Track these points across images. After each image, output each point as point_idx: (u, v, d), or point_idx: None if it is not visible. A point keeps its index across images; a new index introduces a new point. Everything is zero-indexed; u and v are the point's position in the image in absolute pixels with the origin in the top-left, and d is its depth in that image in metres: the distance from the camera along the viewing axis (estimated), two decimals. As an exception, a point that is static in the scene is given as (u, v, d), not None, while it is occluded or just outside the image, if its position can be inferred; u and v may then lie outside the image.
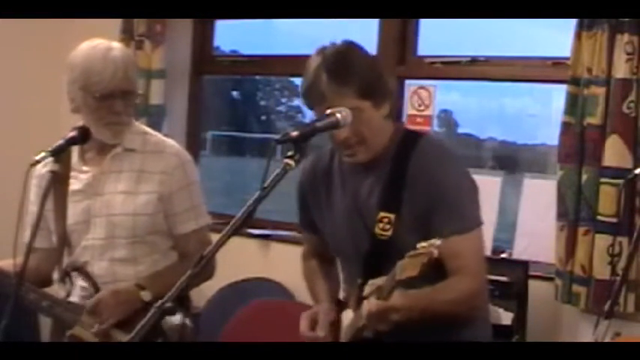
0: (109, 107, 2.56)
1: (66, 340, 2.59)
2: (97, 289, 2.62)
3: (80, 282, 2.65)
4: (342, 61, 2.28)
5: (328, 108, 2.18)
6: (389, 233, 2.34)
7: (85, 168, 2.66)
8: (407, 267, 2.05)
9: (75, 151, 2.66)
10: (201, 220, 2.71)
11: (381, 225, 2.34)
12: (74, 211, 2.65)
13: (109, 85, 2.54)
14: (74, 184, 2.65)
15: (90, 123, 2.58)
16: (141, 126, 2.75)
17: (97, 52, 2.57)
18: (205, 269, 2.54)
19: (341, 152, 2.40)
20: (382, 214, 2.34)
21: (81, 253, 2.65)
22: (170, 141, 2.75)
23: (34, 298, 2.61)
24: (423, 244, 2.04)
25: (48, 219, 2.66)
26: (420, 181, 2.31)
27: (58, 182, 2.57)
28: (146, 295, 2.55)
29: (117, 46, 2.63)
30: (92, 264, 2.64)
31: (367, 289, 2.22)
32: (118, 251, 2.63)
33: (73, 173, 2.66)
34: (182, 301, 2.63)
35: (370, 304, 2.18)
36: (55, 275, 2.70)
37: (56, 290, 2.70)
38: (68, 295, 2.66)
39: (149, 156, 2.66)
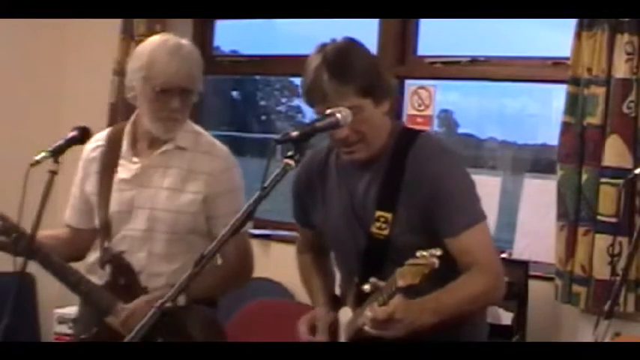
0: (166, 102, 2.58)
1: (99, 327, 2.63)
2: (135, 281, 2.64)
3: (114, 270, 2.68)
4: (343, 59, 2.27)
5: (329, 106, 2.18)
6: (386, 232, 2.33)
7: (134, 159, 2.69)
8: (407, 275, 2.03)
9: (126, 139, 2.70)
10: None
11: (377, 224, 2.34)
12: (119, 199, 2.68)
13: (171, 81, 2.56)
14: (122, 173, 2.68)
15: (145, 113, 2.63)
16: (194, 125, 2.77)
17: (167, 46, 2.60)
18: (243, 273, 2.58)
19: (340, 150, 2.39)
20: (379, 212, 2.34)
21: (119, 241, 2.67)
22: (220, 144, 2.76)
23: (74, 280, 2.62)
24: (423, 253, 2.02)
25: (92, 202, 2.72)
26: (419, 179, 2.31)
27: (106, 168, 2.66)
28: (180, 299, 2.55)
29: (187, 43, 2.65)
30: (130, 254, 2.66)
31: (368, 288, 2.21)
32: (155, 245, 2.64)
33: (121, 161, 2.69)
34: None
35: (375, 312, 2.14)
36: (92, 258, 2.73)
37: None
38: (107, 281, 2.69)
39: (198, 156, 2.67)
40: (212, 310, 2.73)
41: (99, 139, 2.76)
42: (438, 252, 2.02)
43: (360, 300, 2.29)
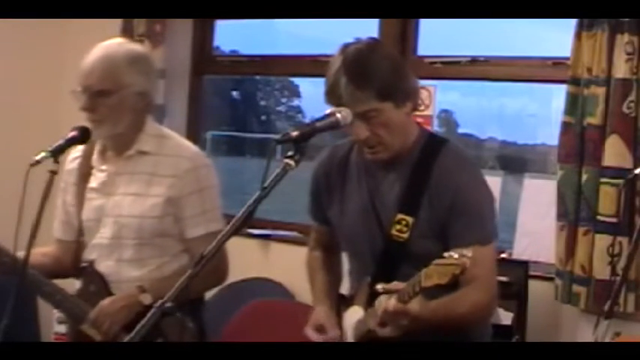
0: (81, 102, 2.59)
1: (74, 336, 2.64)
2: (105, 288, 2.64)
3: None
4: (362, 63, 2.24)
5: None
6: (405, 235, 2.32)
7: (103, 167, 2.70)
8: (433, 274, 2.01)
9: (96, 148, 2.71)
10: (212, 225, 2.66)
11: (398, 227, 2.33)
12: (88, 208, 2.69)
13: (82, 82, 2.58)
14: (92, 182, 2.70)
15: None
16: (160, 129, 2.75)
17: (95, 48, 2.62)
18: (217, 273, 2.59)
19: (363, 149, 2.38)
20: (400, 215, 2.33)
21: (90, 250, 2.69)
22: (188, 144, 2.74)
23: (48, 291, 2.63)
24: (453, 254, 1.99)
25: (70, 213, 2.73)
26: (443, 187, 2.30)
27: (82, 178, 2.67)
28: (146, 298, 2.56)
29: (111, 44, 2.64)
30: (99, 262, 2.66)
31: (384, 289, 2.18)
32: (124, 252, 2.64)
33: (93, 170, 2.70)
34: (195, 305, 2.65)
35: (389, 304, 2.14)
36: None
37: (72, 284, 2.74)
38: (79, 290, 2.69)
39: (163, 159, 2.65)
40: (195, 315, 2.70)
41: (77, 149, 2.76)
42: (470, 253, 1.99)
43: (372, 300, 2.28)
